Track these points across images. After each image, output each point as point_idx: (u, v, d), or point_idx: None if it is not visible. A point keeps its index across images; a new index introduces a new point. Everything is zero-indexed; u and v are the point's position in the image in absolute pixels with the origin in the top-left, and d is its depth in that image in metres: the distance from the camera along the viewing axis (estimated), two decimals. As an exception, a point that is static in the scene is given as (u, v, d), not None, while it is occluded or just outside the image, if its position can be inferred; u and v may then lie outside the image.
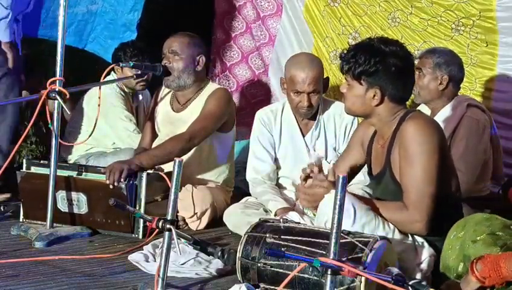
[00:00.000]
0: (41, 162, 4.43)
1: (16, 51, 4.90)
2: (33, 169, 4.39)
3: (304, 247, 3.16)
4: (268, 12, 5.97)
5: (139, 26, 5.83)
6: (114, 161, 4.36)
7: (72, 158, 5.24)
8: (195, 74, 4.69)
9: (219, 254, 3.63)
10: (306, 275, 3.13)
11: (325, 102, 4.61)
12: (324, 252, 2.97)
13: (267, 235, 3.26)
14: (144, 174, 4.20)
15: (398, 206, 3.39)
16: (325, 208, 3.31)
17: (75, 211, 4.26)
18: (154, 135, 4.88)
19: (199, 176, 4.71)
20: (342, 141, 4.56)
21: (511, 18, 4.93)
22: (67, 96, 4.04)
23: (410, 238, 3.44)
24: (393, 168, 3.45)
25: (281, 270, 3.19)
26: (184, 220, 4.47)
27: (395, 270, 2.84)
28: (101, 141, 5.21)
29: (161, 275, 3.12)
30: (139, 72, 4.72)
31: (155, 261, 3.71)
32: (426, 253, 3.43)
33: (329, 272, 2.64)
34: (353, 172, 3.79)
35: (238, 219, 4.33)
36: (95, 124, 4.27)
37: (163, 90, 4.88)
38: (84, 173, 4.31)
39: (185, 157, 4.37)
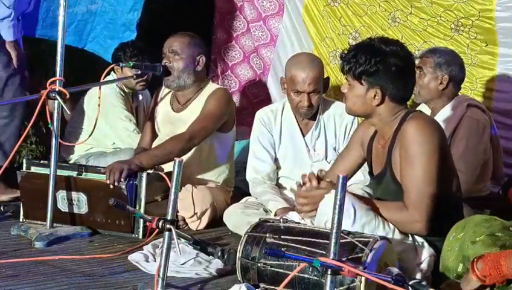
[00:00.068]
0: (42, 162, 4.43)
1: (19, 49, 4.90)
2: (33, 169, 4.39)
3: (303, 247, 3.16)
4: (270, 12, 5.97)
5: (139, 26, 5.82)
6: (114, 160, 4.36)
7: (72, 158, 5.24)
8: (196, 73, 4.68)
9: (219, 254, 3.63)
10: (306, 275, 3.13)
11: (325, 102, 4.61)
12: (324, 252, 2.96)
13: (267, 235, 3.26)
14: (144, 174, 4.20)
15: (398, 206, 3.39)
16: (325, 208, 3.31)
17: (75, 211, 4.26)
18: (154, 135, 4.88)
19: (199, 176, 4.71)
20: (342, 141, 4.55)
21: (510, 18, 4.92)
22: (67, 96, 4.04)
23: (410, 238, 3.44)
24: (394, 168, 3.45)
25: (281, 270, 3.19)
26: (184, 220, 4.46)
27: (395, 270, 2.84)
28: (101, 141, 5.20)
29: (161, 275, 3.12)
30: (139, 72, 4.72)
31: (155, 261, 3.71)
32: (426, 253, 3.43)
33: (329, 272, 2.64)
34: (351, 172, 3.79)
35: (238, 219, 4.33)
36: (95, 124, 4.26)
37: (163, 90, 4.88)
38: (84, 173, 4.31)
39: (185, 157, 4.37)
